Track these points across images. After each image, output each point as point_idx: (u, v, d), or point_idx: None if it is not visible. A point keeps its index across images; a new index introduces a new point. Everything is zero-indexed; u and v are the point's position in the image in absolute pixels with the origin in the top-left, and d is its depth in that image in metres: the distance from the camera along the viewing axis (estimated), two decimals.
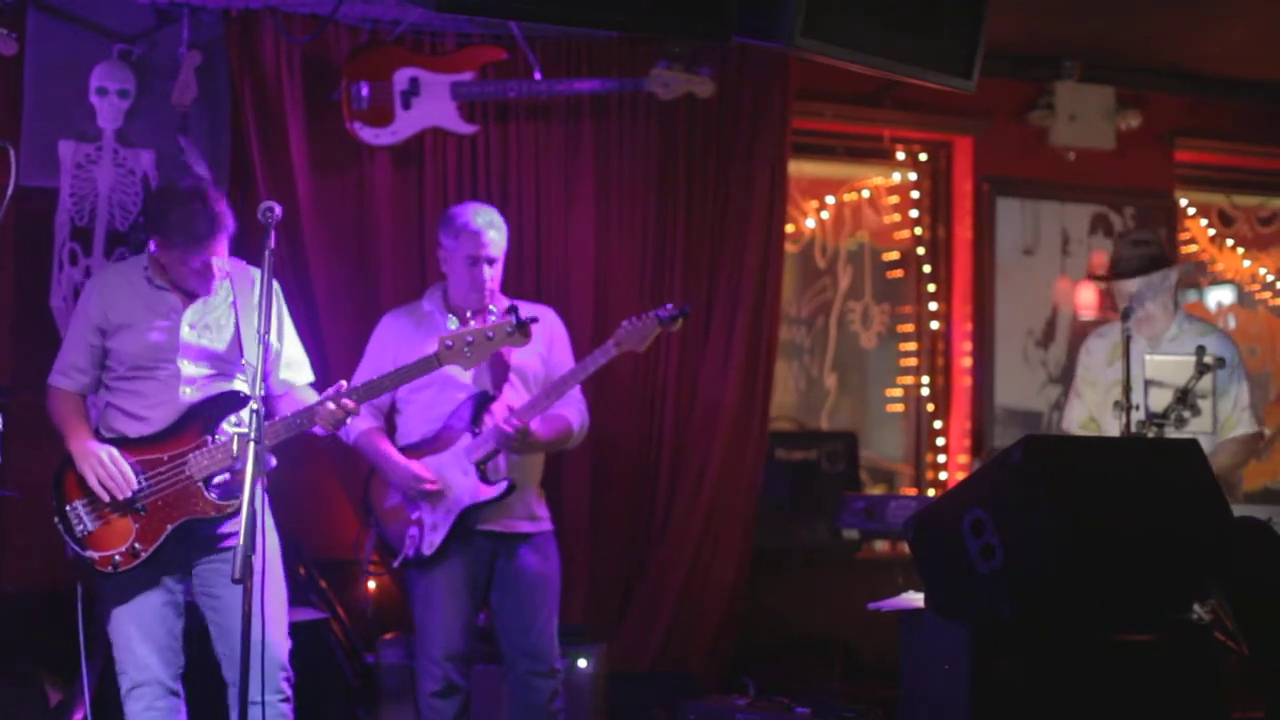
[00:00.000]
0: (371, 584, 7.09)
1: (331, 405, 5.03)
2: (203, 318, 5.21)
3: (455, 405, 5.88)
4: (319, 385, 5.44)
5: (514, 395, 5.95)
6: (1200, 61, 8.79)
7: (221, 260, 5.18)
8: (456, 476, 5.81)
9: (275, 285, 5.24)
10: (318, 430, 5.13)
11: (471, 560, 5.88)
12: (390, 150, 6.99)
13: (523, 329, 5.27)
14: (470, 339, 5.23)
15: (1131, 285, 6.41)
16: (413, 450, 5.90)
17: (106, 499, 4.98)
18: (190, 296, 5.23)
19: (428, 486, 5.76)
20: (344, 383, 5.12)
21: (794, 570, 7.87)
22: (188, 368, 5.15)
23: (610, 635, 7.09)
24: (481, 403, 5.87)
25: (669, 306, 6.04)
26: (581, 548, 7.20)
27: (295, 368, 5.42)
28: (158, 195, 5.31)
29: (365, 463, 6.05)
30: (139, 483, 5.01)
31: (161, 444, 5.08)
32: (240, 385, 5.21)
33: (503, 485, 5.81)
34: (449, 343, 5.22)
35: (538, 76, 7.02)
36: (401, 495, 5.87)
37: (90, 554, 5.00)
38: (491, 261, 5.91)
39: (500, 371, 5.93)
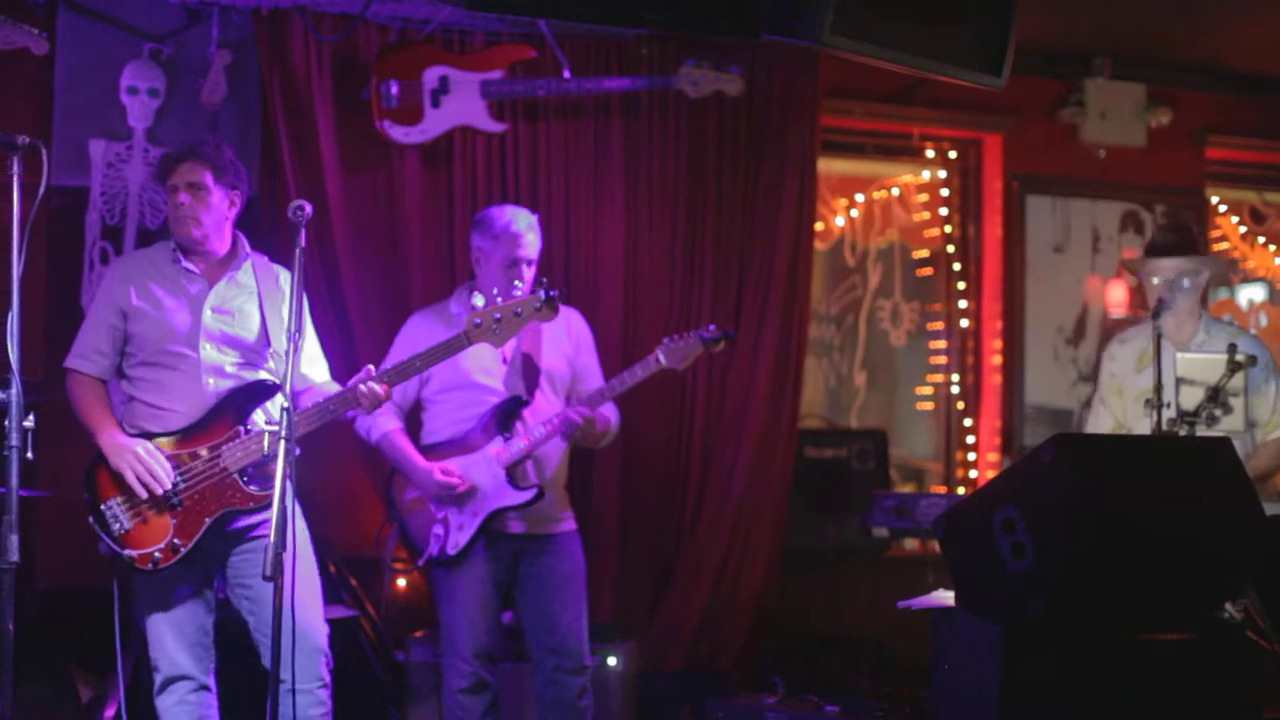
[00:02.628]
0: (401, 582, 7.10)
1: (363, 388, 5.02)
2: (225, 302, 5.20)
3: (487, 407, 5.88)
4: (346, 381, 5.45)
5: (544, 400, 5.95)
6: (1231, 58, 8.75)
7: (204, 194, 5.16)
8: (485, 479, 5.80)
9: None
10: (355, 414, 5.11)
11: (496, 559, 5.88)
12: (420, 149, 7.00)
13: (551, 303, 5.18)
14: (499, 316, 5.15)
15: (1165, 267, 6.38)
16: (440, 450, 5.89)
17: (145, 495, 4.95)
18: (215, 270, 5.22)
19: (459, 489, 5.77)
20: (371, 367, 5.10)
21: (824, 568, 7.86)
22: (211, 354, 5.13)
23: (640, 633, 7.09)
24: (515, 407, 5.87)
25: (712, 327, 6.03)
26: (611, 546, 7.21)
27: (315, 363, 5.40)
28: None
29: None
30: (174, 477, 5.00)
31: (194, 437, 5.05)
32: (267, 375, 5.21)
33: (532, 491, 5.80)
34: (477, 320, 5.15)
35: (567, 75, 7.03)
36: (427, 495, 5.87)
37: (130, 552, 4.97)
38: (529, 263, 5.90)
39: (532, 376, 5.93)
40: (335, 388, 5.23)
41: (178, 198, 5.17)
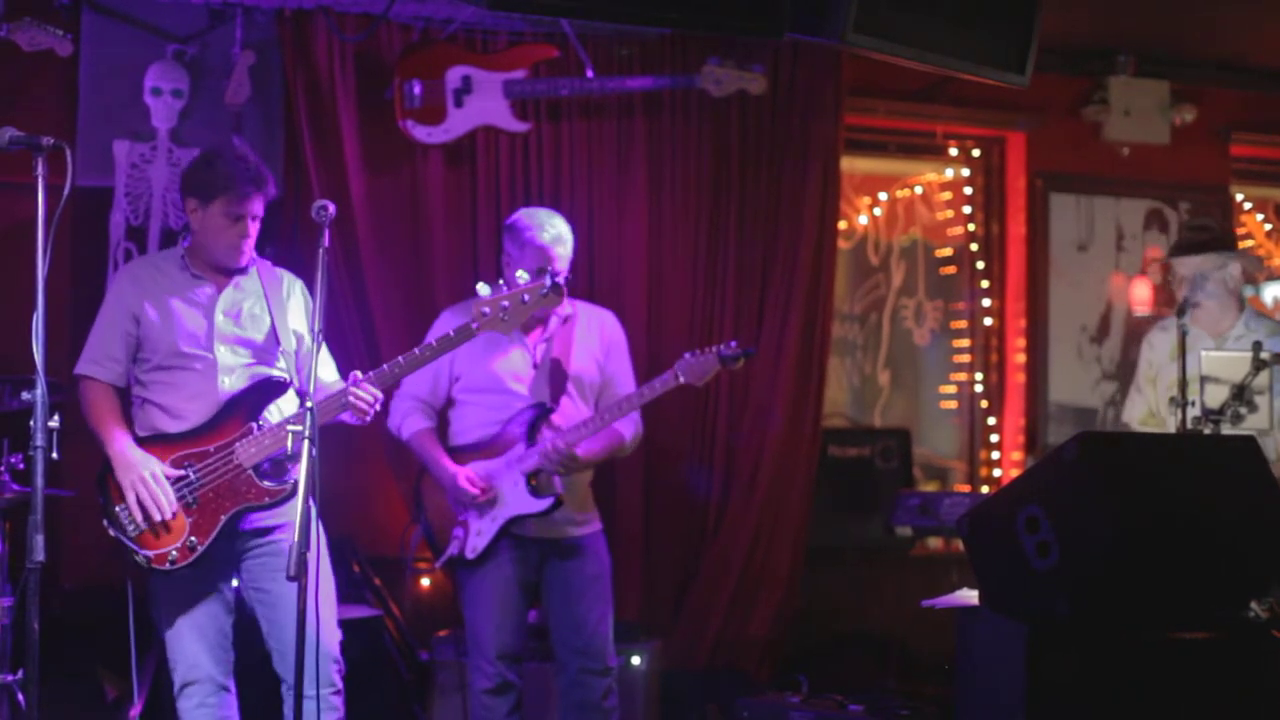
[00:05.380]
0: (426, 581, 7.11)
1: (352, 398, 5.01)
2: (235, 305, 5.21)
3: (513, 412, 5.87)
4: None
5: (572, 405, 5.94)
6: (1256, 55, 8.73)
7: (252, 227, 5.17)
8: (506, 485, 5.80)
9: (300, 282, 5.29)
10: (346, 419, 5.10)
11: (520, 561, 5.87)
12: (443, 148, 7.01)
13: (557, 289, 5.17)
14: (506, 304, 5.12)
15: (1188, 267, 6.38)
16: (465, 452, 5.90)
17: (142, 520, 4.96)
18: (224, 276, 5.23)
19: (479, 499, 5.77)
20: (358, 373, 5.08)
21: (848, 567, 7.84)
22: (225, 356, 5.14)
23: (665, 632, 7.09)
24: (539, 415, 5.86)
25: (733, 344, 5.99)
26: (636, 545, 7.21)
27: (324, 364, 5.35)
28: (202, 157, 5.31)
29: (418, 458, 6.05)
30: (190, 475, 5.01)
31: (206, 436, 5.05)
32: (277, 373, 5.21)
33: (548, 501, 5.79)
34: (485, 310, 5.11)
35: (590, 74, 7.03)
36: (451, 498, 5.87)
37: (146, 553, 4.98)
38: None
39: (559, 382, 5.92)
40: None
41: (244, 228, 5.16)
